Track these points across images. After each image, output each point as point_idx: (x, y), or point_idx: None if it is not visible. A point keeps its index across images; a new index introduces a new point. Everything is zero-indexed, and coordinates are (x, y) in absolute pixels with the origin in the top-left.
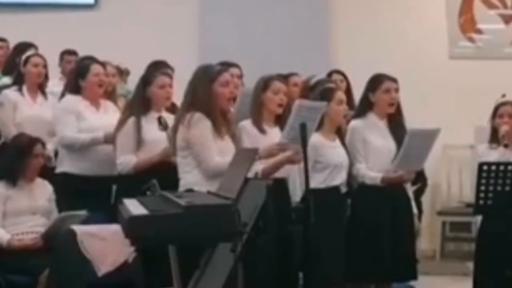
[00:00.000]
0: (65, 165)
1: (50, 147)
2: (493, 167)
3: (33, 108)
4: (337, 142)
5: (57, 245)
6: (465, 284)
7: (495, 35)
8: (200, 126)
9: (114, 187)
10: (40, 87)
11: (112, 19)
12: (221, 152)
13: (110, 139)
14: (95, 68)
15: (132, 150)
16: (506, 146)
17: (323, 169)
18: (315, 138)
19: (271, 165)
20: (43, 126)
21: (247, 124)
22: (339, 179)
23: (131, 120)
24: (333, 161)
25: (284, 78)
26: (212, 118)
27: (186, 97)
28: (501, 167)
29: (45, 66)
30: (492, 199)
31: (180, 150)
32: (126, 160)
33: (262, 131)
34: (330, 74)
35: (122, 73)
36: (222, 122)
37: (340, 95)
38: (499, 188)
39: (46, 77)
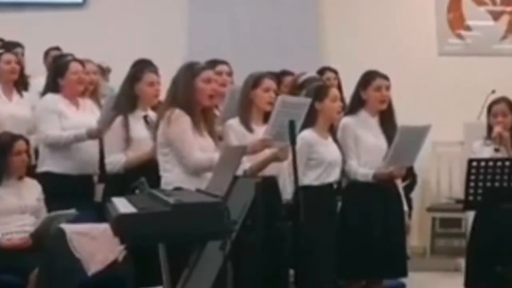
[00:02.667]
0: (48, 164)
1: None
2: (482, 163)
3: (9, 106)
4: (330, 139)
5: (47, 244)
6: (455, 280)
7: (484, 31)
8: (180, 122)
9: (98, 186)
10: (15, 85)
11: (100, 17)
12: (201, 149)
13: (93, 135)
14: (74, 66)
15: (121, 149)
16: (497, 150)
17: (316, 166)
18: (308, 135)
19: (258, 162)
20: (21, 124)
21: (234, 123)
22: (333, 176)
23: (119, 119)
24: (327, 158)
25: (277, 76)
26: (192, 114)
27: (169, 93)
28: (490, 163)
29: (18, 63)
30: (482, 195)
31: (161, 147)
32: (116, 159)
33: (249, 129)
34: (322, 71)
35: (104, 71)
36: (201, 119)
37: (335, 92)
38: (488, 184)
39: (21, 75)
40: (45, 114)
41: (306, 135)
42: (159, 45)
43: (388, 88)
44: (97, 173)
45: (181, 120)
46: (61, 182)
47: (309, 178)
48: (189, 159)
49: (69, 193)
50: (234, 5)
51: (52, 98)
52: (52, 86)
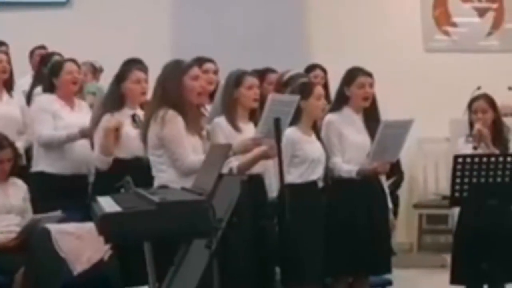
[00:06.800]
0: (42, 164)
1: (19, 145)
2: (468, 159)
3: (0, 106)
4: (313, 136)
5: (32, 244)
6: (442, 276)
7: (470, 28)
8: (175, 124)
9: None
10: (5, 85)
11: (85, 16)
12: (193, 149)
13: (85, 133)
14: (69, 66)
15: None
16: (475, 148)
17: (300, 163)
18: (292, 133)
19: (247, 161)
20: (12, 125)
21: (222, 121)
22: (316, 173)
23: (105, 117)
24: (311, 155)
25: (260, 74)
26: (183, 113)
27: (156, 92)
28: (476, 159)
29: (9, 62)
30: (468, 191)
31: (154, 149)
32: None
33: (237, 129)
34: (311, 69)
35: (96, 70)
36: (192, 118)
37: (319, 89)
38: (474, 180)
39: (11, 74)
40: (39, 114)
41: (290, 133)
42: (144, 44)
43: (371, 85)
44: (92, 173)
45: (175, 122)
46: (54, 182)
47: (293, 176)
48: (182, 162)
49: (63, 193)
50: (220, 4)
51: (46, 98)
52: (47, 86)
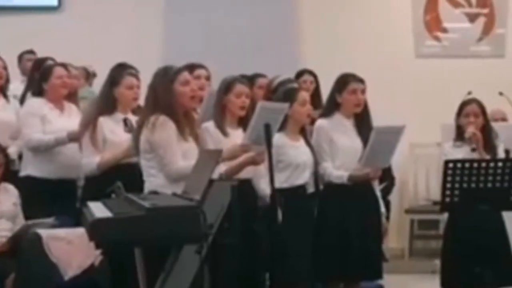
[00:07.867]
0: (30, 169)
1: (12, 150)
2: (459, 165)
3: None
4: (301, 142)
5: (23, 248)
6: (433, 282)
7: (461, 33)
8: (165, 129)
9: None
10: (1, 90)
11: (76, 21)
12: (185, 155)
13: (74, 137)
14: (58, 70)
15: (97, 151)
16: (473, 150)
17: (285, 168)
18: (277, 138)
19: (234, 166)
20: (6, 130)
21: (210, 126)
22: (302, 178)
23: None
24: (295, 160)
25: (250, 79)
26: (176, 119)
27: (148, 100)
28: (467, 164)
29: (5, 68)
30: (459, 196)
31: (144, 153)
32: (90, 160)
33: (225, 133)
34: (300, 74)
35: (89, 75)
36: (186, 123)
37: (304, 95)
38: (465, 185)
39: (7, 79)
40: (28, 118)
41: (275, 139)
42: (135, 49)
43: (363, 91)
44: (81, 177)
45: (167, 127)
46: (42, 186)
47: (279, 180)
48: (170, 167)
49: (50, 197)
50: (210, 9)
51: (36, 102)
52: (37, 90)
